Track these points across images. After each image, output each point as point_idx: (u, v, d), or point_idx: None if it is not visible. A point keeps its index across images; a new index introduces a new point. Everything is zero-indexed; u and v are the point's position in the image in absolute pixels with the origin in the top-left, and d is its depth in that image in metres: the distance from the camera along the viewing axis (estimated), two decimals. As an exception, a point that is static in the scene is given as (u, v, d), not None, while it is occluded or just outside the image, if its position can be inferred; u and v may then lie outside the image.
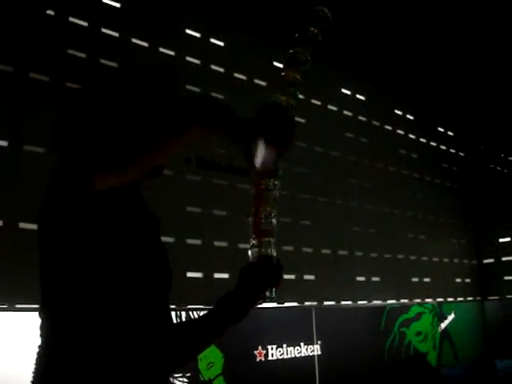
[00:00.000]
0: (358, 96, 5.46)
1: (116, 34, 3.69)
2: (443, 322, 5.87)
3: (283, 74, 1.56)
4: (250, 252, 1.53)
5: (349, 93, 5.39)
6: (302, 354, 4.47)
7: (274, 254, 1.53)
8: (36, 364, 1.43)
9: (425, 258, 5.81)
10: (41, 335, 1.44)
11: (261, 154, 1.43)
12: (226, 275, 3.90)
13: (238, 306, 1.54)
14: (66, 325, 1.41)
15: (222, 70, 4.25)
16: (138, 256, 1.49)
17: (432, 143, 6.36)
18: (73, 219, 1.40)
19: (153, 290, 1.51)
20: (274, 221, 1.54)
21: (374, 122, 5.59)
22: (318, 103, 5.03)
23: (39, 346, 1.44)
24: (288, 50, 1.56)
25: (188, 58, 4.04)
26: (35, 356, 1.44)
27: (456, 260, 6.27)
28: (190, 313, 3.82)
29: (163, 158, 1.47)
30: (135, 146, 1.37)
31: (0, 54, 3.12)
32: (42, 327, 1.45)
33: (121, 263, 1.44)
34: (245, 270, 1.54)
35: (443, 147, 6.52)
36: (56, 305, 1.44)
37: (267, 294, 1.51)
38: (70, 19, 3.48)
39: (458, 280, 6.23)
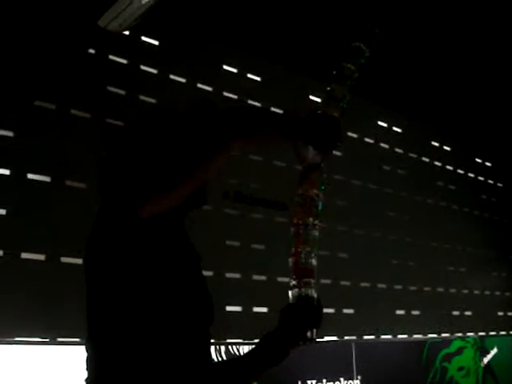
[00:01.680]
0: (394, 128, 5.46)
1: (154, 71, 3.77)
2: (486, 356, 5.74)
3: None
4: (290, 293, 1.53)
5: (385, 125, 5.39)
6: (342, 389, 4.42)
7: (315, 295, 1.52)
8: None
9: (465, 291, 5.72)
10: (87, 368, 1.46)
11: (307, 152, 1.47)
12: (264, 309, 3.88)
13: (278, 348, 1.55)
14: (111, 358, 1.43)
15: (258, 104, 4.29)
16: (183, 290, 1.50)
17: (470, 174, 6.30)
18: (121, 248, 1.42)
19: (195, 325, 1.52)
20: (314, 261, 1.54)
21: (411, 154, 5.57)
22: (355, 136, 5.04)
23: (86, 379, 1.46)
24: (326, 88, 1.58)
25: (225, 94, 4.09)
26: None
27: (497, 293, 6.15)
28: (229, 347, 3.81)
29: (205, 176, 1.47)
30: (179, 167, 1.39)
31: (43, 93, 3.20)
32: (87, 360, 1.47)
33: (166, 297, 1.46)
34: (285, 312, 1.54)
35: (481, 178, 6.45)
36: (101, 337, 1.45)
37: (308, 335, 1.51)
38: (110, 57, 3.56)
39: (500, 313, 6.10)
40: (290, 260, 1.54)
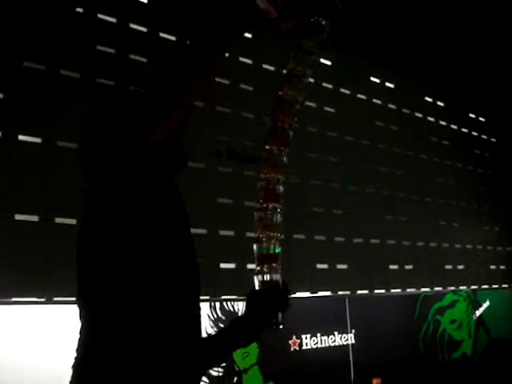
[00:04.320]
0: (386, 84, 5.43)
1: (144, 29, 3.73)
2: (478, 309, 5.83)
3: (290, 67, 1.55)
4: (255, 278, 1.54)
5: (377, 81, 5.36)
6: (336, 343, 4.49)
7: (280, 280, 1.53)
8: (76, 350, 1.48)
9: (458, 246, 5.76)
10: (80, 323, 1.50)
11: None
12: (258, 266, 3.92)
13: (248, 332, 1.58)
14: (99, 315, 1.46)
15: (250, 61, 4.27)
16: (170, 257, 1.52)
17: (463, 129, 6.29)
18: (112, 209, 1.45)
19: (180, 294, 1.53)
20: (277, 246, 1.55)
21: (404, 110, 5.55)
22: (347, 92, 5.02)
23: (79, 333, 1.49)
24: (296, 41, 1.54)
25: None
26: (76, 342, 1.49)
27: (490, 247, 6.20)
28: (224, 303, 3.86)
29: (197, 91, 1.44)
30: (171, 90, 1.38)
31: (32, 53, 3.18)
32: (80, 316, 1.50)
33: (153, 260, 1.47)
34: (251, 297, 1.56)
35: (475, 133, 6.44)
36: (90, 295, 1.48)
37: (275, 320, 1.53)
38: (99, 16, 3.52)
39: (493, 267, 6.16)
40: (254, 246, 1.54)
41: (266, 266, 1.52)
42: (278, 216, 1.55)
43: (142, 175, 1.49)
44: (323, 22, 1.51)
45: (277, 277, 1.53)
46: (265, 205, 1.55)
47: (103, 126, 1.55)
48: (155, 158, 1.48)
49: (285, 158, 1.56)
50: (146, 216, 1.48)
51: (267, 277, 1.52)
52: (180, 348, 1.50)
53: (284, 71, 1.58)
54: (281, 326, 1.53)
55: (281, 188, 1.56)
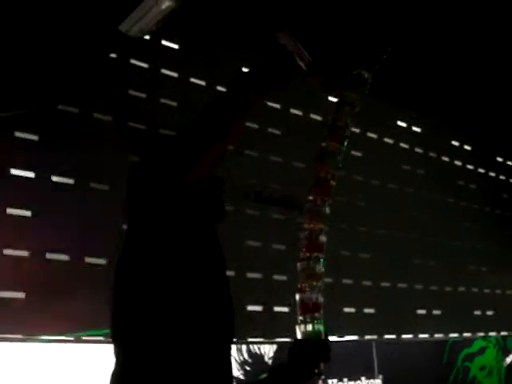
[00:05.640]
0: (413, 128, 5.46)
1: (175, 74, 3.82)
2: (508, 356, 5.72)
3: (333, 118, 1.60)
4: (297, 328, 1.55)
5: (404, 125, 5.39)
6: (364, 388, 4.43)
7: (322, 329, 1.55)
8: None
9: (487, 291, 5.69)
10: (115, 360, 1.51)
11: None
12: (285, 309, 3.91)
13: (289, 381, 1.58)
14: (133, 355, 1.47)
15: (278, 106, 4.33)
16: (208, 299, 1.53)
17: (491, 173, 6.27)
18: (150, 250, 1.47)
19: (214, 338, 1.54)
20: (320, 295, 1.57)
21: (431, 154, 5.56)
22: (374, 136, 5.05)
23: (113, 369, 1.51)
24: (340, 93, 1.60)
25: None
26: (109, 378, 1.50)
27: (520, 292, 6.11)
28: (251, 346, 3.85)
29: (236, 133, 1.50)
30: (210, 129, 1.44)
31: (67, 97, 3.27)
32: (114, 354, 1.52)
33: (191, 303, 1.49)
34: (295, 348, 1.57)
35: (502, 177, 6.42)
36: (125, 336, 1.50)
37: (316, 370, 1.54)
38: (131, 61, 3.63)
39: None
40: (297, 296, 1.57)
41: (308, 316, 1.54)
42: (320, 266, 1.57)
43: (182, 218, 1.52)
44: (366, 75, 1.56)
45: (319, 327, 1.54)
46: (308, 254, 1.57)
47: (144, 168, 1.60)
48: (195, 200, 1.51)
49: (327, 209, 1.60)
50: (184, 259, 1.50)
51: (310, 327, 1.54)
52: None
53: (327, 122, 1.62)
54: (322, 377, 1.54)
55: (323, 238, 1.59)
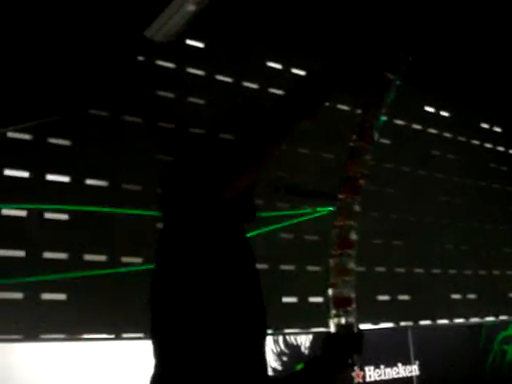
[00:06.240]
0: (441, 113, 5.43)
1: (201, 73, 3.87)
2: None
3: (361, 119, 1.65)
4: (331, 322, 1.62)
5: (432, 110, 5.37)
6: (400, 375, 4.46)
7: (354, 322, 1.61)
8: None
9: (522, 273, 5.66)
10: (154, 359, 1.58)
11: None
12: (320, 299, 3.95)
13: (324, 375, 1.63)
14: (170, 355, 1.53)
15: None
16: (242, 299, 1.58)
17: (522, 154, 6.21)
18: (188, 253, 1.53)
19: (249, 335, 1.60)
20: (352, 290, 1.63)
21: (460, 138, 5.53)
22: (402, 123, 5.04)
23: (153, 370, 1.57)
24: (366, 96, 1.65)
25: (272, 90, 4.16)
26: (149, 378, 1.57)
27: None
28: (287, 337, 3.90)
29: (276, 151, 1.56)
30: (255, 145, 1.50)
31: (97, 101, 3.34)
32: (153, 353, 1.58)
33: (224, 301, 1.54)
34: (328, 340, 1.62)
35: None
36: (163, 336, 1.56)
37: (350, 362, 1.60)
38: (158, 62, 3.68)
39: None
40: (330, 291, 1.63)
41: (341, 310, 1.60)
42: (352, 262, 1.63)
43: (215, 222, 1.57)
44: (391, 77, 1.62)
45: (352, 320, 1.60)
46: (339, 251, 1.63)
47: (182, 175, 1.65)
48: (228, 208, 1.56)
49: (357, 207, 1.65)
50: (217, 260, 1.55)
51: (343, 320, 1.59)
52: None
53: (356, 123, 1.68)
54: (355, 368, 1.60)
55: (354, 235, 1.64)
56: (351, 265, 1.65)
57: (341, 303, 1.61)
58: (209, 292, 1.52)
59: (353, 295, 1.63)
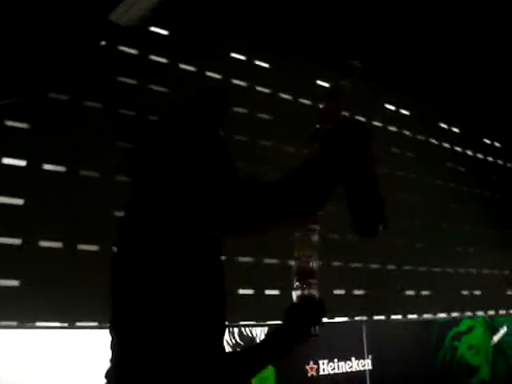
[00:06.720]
0: (402, 111, 5.48)
1: (164, 61, 3.83)
2: (496, 335, 5.81)
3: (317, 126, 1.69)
4: (293, 293, 1.65)
5: (393, 108, 5.41)
6: (354, 369, 4.50)
7: (316, 295, 1.64)
8: (107, 375, 1.54)
9: (474, 271, 5.75)
10: (112, 351, 1.55)
11: None
12: (276, 292, 3.95)
13: (284, 343, 1.65)
14: (131, 347, 1.51)
15: (267, 90, 4.34)
16: (205, 281, 1.58)
17: (479, 155, 6.31)
18: (156, 242, 1.51)
19: (213, 318, 1.60)
20: (315, 263, 1.67)
21: (419, 137, 5.59)
22: (363, 119, 5.07)
23: (110, 360, 1.55)
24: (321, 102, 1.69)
25: (235, 81, 4.15)
26: (107, 369, 1.54)
27: (506, 272, 6.18)
28: (242, 329, 3.90)
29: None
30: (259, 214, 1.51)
31: (57, 85, 3.28)
32: (112, 344, 1.56)
33: (187, 289, 1.53)
34: (289, 310, 1.65)
35: (490, 159, 6.45)
36: (124, 327, 1.54)
37: (311, 331, 1.63)
38: (120, 48, 3.62)
39: (510, 292, 6.13)
40: (294, 263, 1.66)
41: (303, 282, 1.63)
42: (316, 237, 1.67)
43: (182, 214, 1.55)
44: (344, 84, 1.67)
45: (313, 291, 1.63)
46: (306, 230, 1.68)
47: (174, 187, 1.63)
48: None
49: None
50: (182, 249, 1.54)
51: (304, 291, 1.63)
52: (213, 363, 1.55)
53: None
54: (316, 338, 1.62)
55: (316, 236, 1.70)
56: (315, 240, 1.69)
57: (304, 275, 1.65)
58: (172, 282, 1.51)
59: (316, 268, 1.67)
